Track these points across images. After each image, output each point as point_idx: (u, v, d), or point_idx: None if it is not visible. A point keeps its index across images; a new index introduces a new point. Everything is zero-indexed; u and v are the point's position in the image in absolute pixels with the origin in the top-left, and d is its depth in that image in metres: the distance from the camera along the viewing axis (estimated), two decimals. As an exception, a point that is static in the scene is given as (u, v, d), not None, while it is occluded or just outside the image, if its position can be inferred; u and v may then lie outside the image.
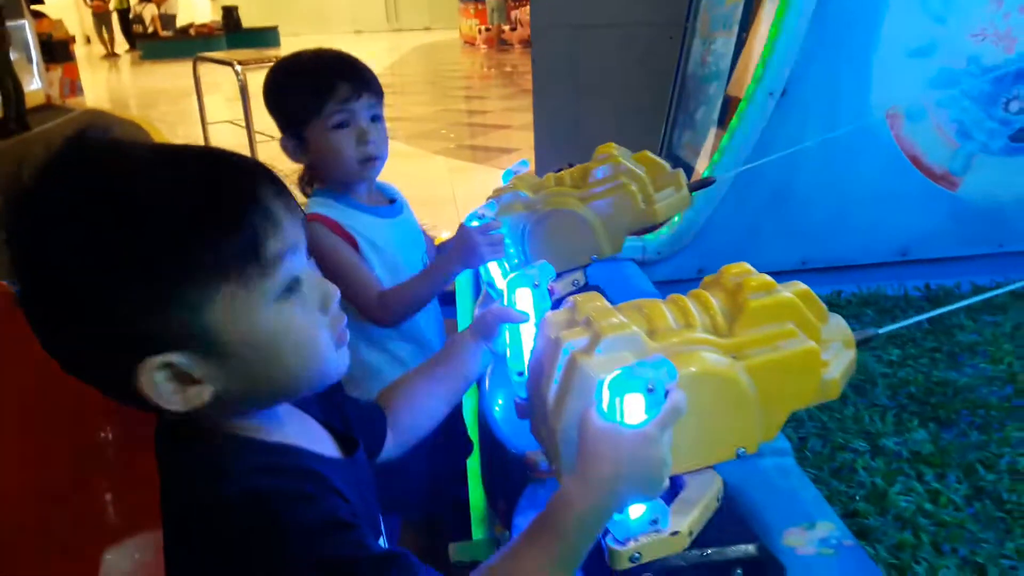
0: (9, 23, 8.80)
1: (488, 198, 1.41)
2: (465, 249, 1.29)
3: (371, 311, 1.35)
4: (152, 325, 0.60)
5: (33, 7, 10.42)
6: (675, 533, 0.78)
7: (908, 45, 2.08)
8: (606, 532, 0.77)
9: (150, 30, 16.70)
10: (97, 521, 1.57)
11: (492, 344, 0.98)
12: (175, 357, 0.61)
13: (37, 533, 1.43)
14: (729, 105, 2.60)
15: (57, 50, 10.48)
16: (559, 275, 1.42)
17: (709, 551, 0.85)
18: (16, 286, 0.64)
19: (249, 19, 16.44)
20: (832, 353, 0.87)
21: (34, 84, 9.74)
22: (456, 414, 1.51)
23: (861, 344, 0.90)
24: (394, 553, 0.65)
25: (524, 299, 0.97)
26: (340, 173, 1.39)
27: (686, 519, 0.79)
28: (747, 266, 0.90)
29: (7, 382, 1.52)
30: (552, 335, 0.80)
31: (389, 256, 1.40)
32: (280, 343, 0.65)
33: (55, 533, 1.45)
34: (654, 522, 0.77)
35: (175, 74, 10.31)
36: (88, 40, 17.46)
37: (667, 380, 0.68)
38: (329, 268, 1.35)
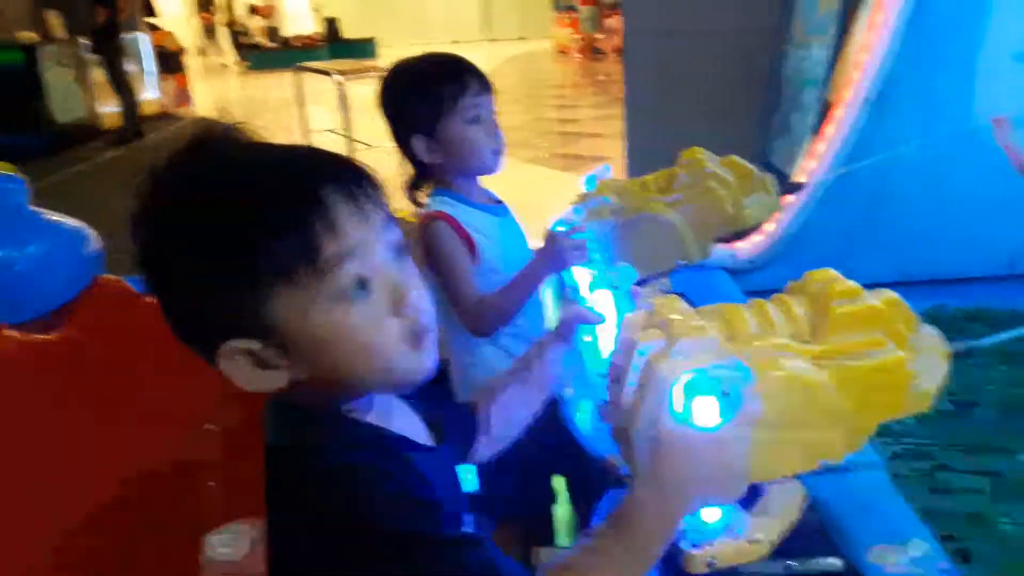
0: (127, 36, 9.34)
1: (573, 203, 1.42)
2: (551, 254, 1.32)
3: (468, 318, 1.40)
4: (226, 313, 0.67)
5: (148, 19, 11.02)
6: (754, 541, 0.77)
7: (1014, 48, 1.99)
8: (682, 535, 0.76)
9: (255, 41, 17.42)
10: (199, 507, 1.64)
11: (574, 347, 0.99)
12: (252, 344, 0.67)
13: (139, 515, 1.51)
14: (826, 111, 2.53)
15: (170, 61, 11.04)
16: (646, 281, 1.42)
17: (792, 563, 0.84)
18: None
19: (349, 30, 16.95)
20: (923, 364, 0.84)
21: (150, 93, 10.30)
22: (550, 420, 1.54)
23: (959, 356, 0.86)
24: (471, 536, 0.67)
25: (603, 301, 0.97)
26: (473, 166, 1.47)
27: (766, 527, 0.78)
28: (833, 272, 0.88)
29: (121, 371, 1.60)
30: (629, 337, 0.80)
31: (500, 253, 1.47)
32: (340, 343, 0.68)
33: (157, 516, 1.52)
34: (731, 528, 0.76)
35: (279, 84, 10.72)
36: (202, 52, 18.30)
37: (743, 383, 0.67)
38: (440, 267, 1.44)
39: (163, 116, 10.25)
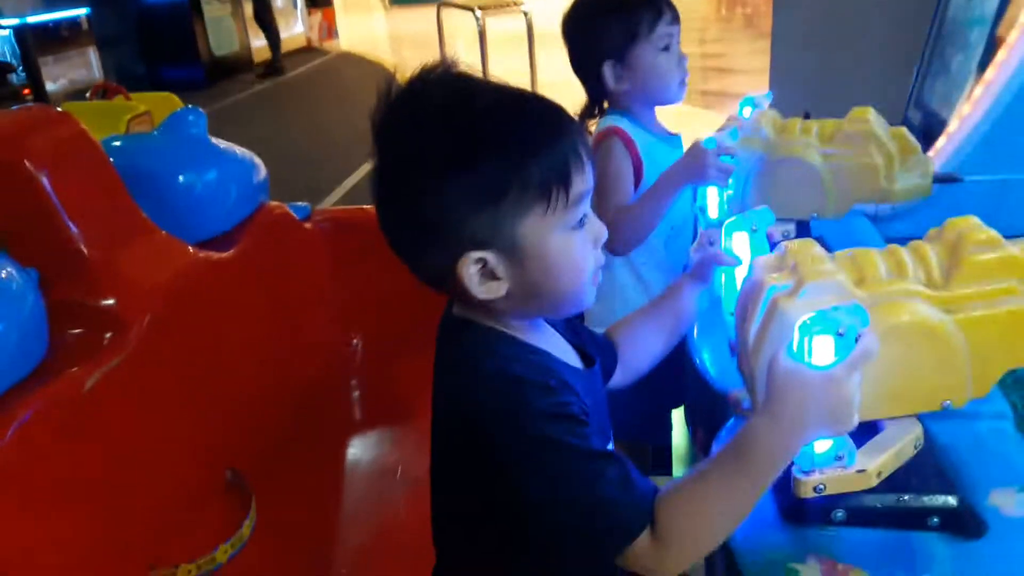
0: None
1: (725, 125, 1.42)
2: (694, 165, 1.35)
3: (611, 233, 1.45)
4: (479, 227, 0.75)
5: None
6: (861, 471, 0.81)
7: None
8: (793, 462, 0.81)
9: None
10: (345, 415, 1.81)
11: (709, 286, 1.04)
12: (489, 255, 0.76)
13: (287, 420, 1.67)
14: (994, 52, 2.37)
15: (319, -2, 11.39)
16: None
17: (906, 496, 0.87)
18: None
19: (489, -38, 16.83)
20: None
21: (297, 28, 10.69)
22: (680, 354, 1.59)
23: None
24: (612, 453, 0.76)
25: (741, 243, 1.01)
26: (660, 95, 1.51)
27: (873, 460, 0.81)
28: (975, 220, 0.88)
29: (282, 284, 1.76)
30: (758, 278, 0.84)
31: None
32: (562, 263, 0.79)
33: (304, 420, 1.69)
34: (840, 458, 0.81)
35: (420, 19, 10.85)
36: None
37: (859, 326, 0.71)
38: (602, 180, 1.49)
39: (309, 49, 10.63)
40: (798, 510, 0.88)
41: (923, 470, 0.89)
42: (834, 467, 0.81)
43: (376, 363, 1.87)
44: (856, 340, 0.72)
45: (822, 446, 0.80)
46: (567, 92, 1.65)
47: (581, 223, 0.80)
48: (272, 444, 1.58)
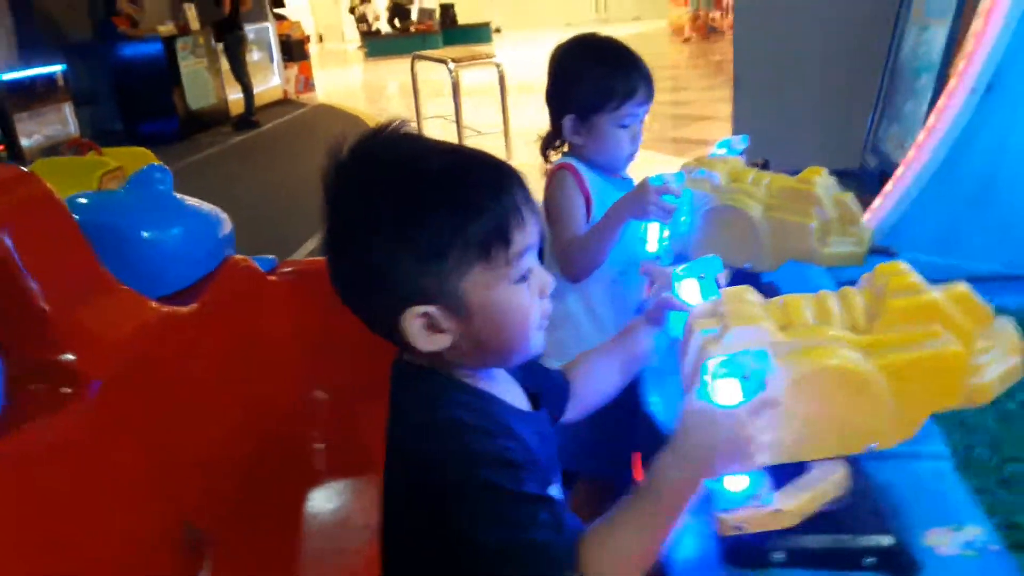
0: (255, 26, 9.86)
1: (684, 166, 1.48)
2: (637, 200, 1.40)
3: (561, 257, 1.50)
4: (422, 283, 0.80)
5: (275, 10, 11.54)
6: (778, 511, 0.83)
7: None
8: (714, 501, 0.83)
9: (374, 28, 17.91)
10: (306, 468, 1.81)
11: (664, 329, 1.07)
12: (433, 309, 0.80)
13: (246, 474, 1.67)
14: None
15: (294, 49, 11.56)
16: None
17: (843, 536, 0.89)
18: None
19: (464, 15, 17.19)
20: (989, 358, 0.86)
21: (274, 81, 10.82)
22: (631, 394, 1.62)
23: None
24: (546, 497, 0.79)
25: (690, 289, 1.05)
26: (606, 162, 1.56)
27: (792, 500, 0.84)
28: (903, 266, 0.92)
29: (245, 338, 1.77)
30: (691, 323, 0.87)
31: None
32: (506, 316, 0.83)
33: (264, 474, 1.69)
34: (756, 497, 0.83)
35: (398, 70, 11.02)
36: (320, 39, 18.97)
37: (764, 370, 0.75)
38: (552, 211, 1.54)
39: (286, 102, 10.75)
40: (738, 552, 0.89)
41: (860, 511, 0.91)
42: (751, 506, 0.83)
43: (339, 415, 1.88)
44: (762, 384, 0.76)
45: (738, 486, 0.83)
46: (537, 141, 1.71)
47: (524, 277, 0.84)
48: (231, 499, 1.58)
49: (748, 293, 0.93)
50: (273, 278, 1.98)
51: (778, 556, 0.88)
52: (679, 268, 1.06)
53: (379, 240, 0.80)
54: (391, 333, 0.84)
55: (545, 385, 1.02)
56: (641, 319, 1.11)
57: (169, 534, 1.45)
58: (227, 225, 1.94)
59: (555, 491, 0.90)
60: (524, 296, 0.84)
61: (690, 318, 0.92)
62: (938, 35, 2.72)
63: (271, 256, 2.04)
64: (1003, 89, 1.95)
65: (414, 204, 0.79)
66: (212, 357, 1.71)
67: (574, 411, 1.08)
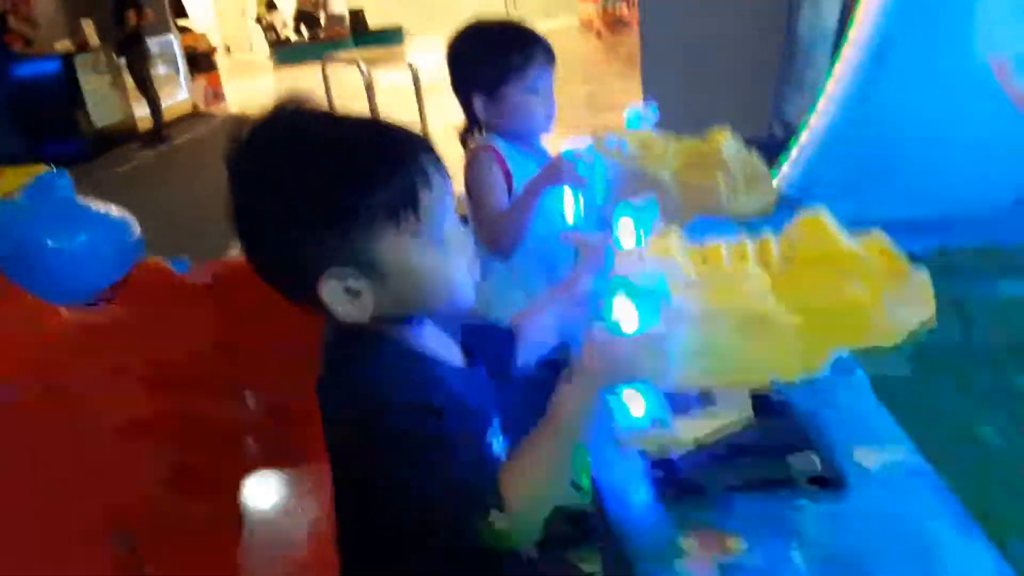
0: (159, 39, 9.56)
1: (594, 136, 1.50)
2: (550, 171, 1.45)
3: (486, 233, 1.51)
4: (333, 251, 0.80)
5: (179, 22, 11.23)
6: (677, 437, 0.86)
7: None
8: (616, 426, 0.86)
9: (283, 36, 17.58)
10: (240, 467, 1.76)
11: (601, 271, 1.09)
12: (348, 274, 0.80)
13: (178, 478, 1.62)
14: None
15: (201, 62, 11.26)
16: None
17: (774, 461, 0.92)
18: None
19: (375, 19, 17.00)
20: (900, 302, 0.87)
21: (182, 94, 10.53)
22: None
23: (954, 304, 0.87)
24: (469, 439, 0.83)
25: (626, 230, 1.06)
26: (526, 129, 1.56)
27: (692, 428, 0.87)
28: (823, 211, 0.94)
29: (162, 341, 1.72)
30: (616, 264, 0.89)
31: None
32: (425, 275, 0.84)
33: (197, 476, 1.64)
34: (657, 423, 0.86)
35: (306, 76, 10.85)
36: (228, 50, 18.53)
37: (663, 295, 0.78)
38: (474, 190, 1.54)
39: (196, 115, 10.47)
40: (676, 486, 0.91)
41: (787, 436, 0.94)
42: (651, 430, 0.86)
43: (271, 412, 1.83)
44: (658, 311, 0.79)
45: (639, 409, 0.85)
46: (456, 138, 1.71)
47: (440, 237, 0.85)
48: (163, 500, 1.53)
49: (671, 236, 0.94)
50: (189, 279, 1.92)
51: (713, 485, 0.90)
52: (617, 207, 1.08)
53: (285, 212, 0.80)
54: (312, 304, 0.84)
55: (487, 341, 1.03)
56: (580, 267, 1.13)
57: (99, 543, 1.40)
58: (136, 229, 1.88)
59: (495, 439, 0.93)
60: (442, 254, 0.85)
61: (616, 258, 0.93)
62: (831, 7, 2.82)
63: (184, 257, 1.98)
64: (894, 52, 2.04)
65: (316, 173, 0.80)
66: (131, 360, 1.65)
67: (524, 358, 1.10)
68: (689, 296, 0.81)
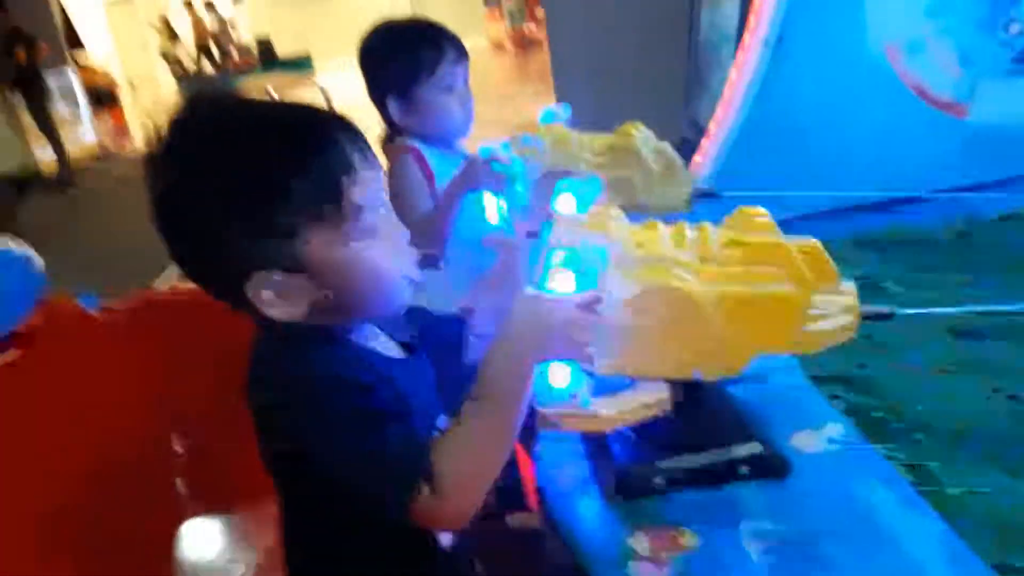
0: (55, 71, 9.15)
1: (511, 136, 1.48)
2: (468, 171, 1.41)
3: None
4: (257, 250, 0.76)
5: (75, 53, 10.81)
6: (595, 415, 0.85)
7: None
8: (535, 397, 0.83)
9: (190, 70, 17.19)
10: (171, 513, 1.67)
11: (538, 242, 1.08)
12: (276, 275, 0.77)
13: (102, 529, 1.53)
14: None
15: (104, 98, 10.92)
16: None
17: (716, 452, 0.91)
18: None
19: (283, 48, 16.77)
20: (827, 310, 0.86)
21: (88, 136, 10.13)
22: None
23: (870, 319, 0.86)
24: (397, 414, 0.78)
25: (566, 204, 1.05)
26: (444, 130, 1.52)
27: (610, 407, 0.86)
28: (761, 209, 0.93)
29: (76, 384, 1.63)
30: (553, 235, 0.87)
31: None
32: (358, 273, 0.80)
33: (124, 526, 1.55)
34: (574, 396, 0.84)
35: (216, 108, 10.62)
36: (131, 85, 18.02)
37: (599, 267, 0.77)
38: (397, 191, 1.51)
39: (105, 156, 10.08)
40: (622, 486, 0.90)
41: (727, 426, 0.94)
42: (570, 405, 0.84)
43: (204, 453, 1.74)
44: (595, 281, 0.78)
45: (558, 382, 0.83)
46: (377, 143, 1.67)
47: (371, 231, 0.81)
48: (85, 552, 1.43)
49: (612, 211, 0.93)
50: (100, 316, 1.82)
51: (659, 482, 0.89)
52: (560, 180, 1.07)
53: (203, 211, 0.77)
54: (243, 306, 0.80)
55: (434, 331, 1.00)
56: (516, 240, 1.12)
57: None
58: (37, 262, 1.76)
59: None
60: (374, 250, 0.81)
61: (554, 228, 0.91)
62: (731, 8, 2.90)
63: (90, 294, 1.88)
64: (792, 39, 2.10)
65: (231, 169, 0.76)
66: (38, 406, 1.54)
67: (477, 344, 1.06)
68: (622, 274, 0.79)
